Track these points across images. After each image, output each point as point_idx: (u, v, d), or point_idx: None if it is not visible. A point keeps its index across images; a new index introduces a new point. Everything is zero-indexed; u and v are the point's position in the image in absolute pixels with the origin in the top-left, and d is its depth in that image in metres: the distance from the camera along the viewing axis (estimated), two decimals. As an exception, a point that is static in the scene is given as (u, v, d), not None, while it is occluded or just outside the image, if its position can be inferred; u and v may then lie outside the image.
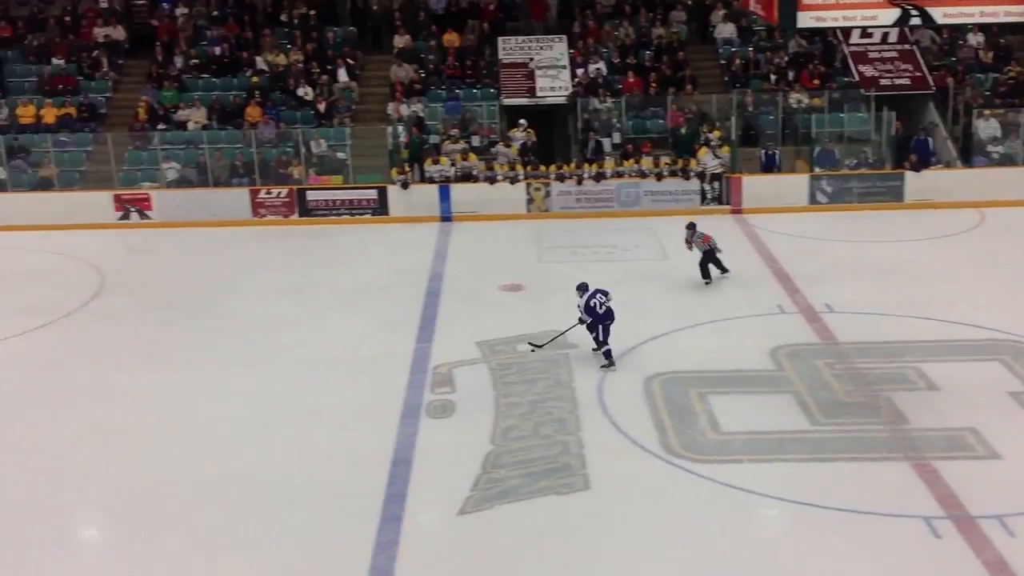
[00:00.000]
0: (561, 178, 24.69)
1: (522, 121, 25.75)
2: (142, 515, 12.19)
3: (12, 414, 14.91)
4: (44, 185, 25.09)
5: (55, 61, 27.91)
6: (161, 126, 26.19)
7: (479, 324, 17.60)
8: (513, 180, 24.70)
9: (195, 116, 26.38)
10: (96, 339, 17.72)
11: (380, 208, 24.71)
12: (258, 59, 27.76)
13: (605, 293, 15.81)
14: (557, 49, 27.84)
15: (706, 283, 19.22)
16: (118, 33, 28.82)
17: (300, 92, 26.93)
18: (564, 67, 27.37)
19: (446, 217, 24.54)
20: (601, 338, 15.77)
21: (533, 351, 16.37)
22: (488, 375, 15.67)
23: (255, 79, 27.13)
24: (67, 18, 29.25)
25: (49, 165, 25.19)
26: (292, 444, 13.76)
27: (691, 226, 19.45)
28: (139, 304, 19.22)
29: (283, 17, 29.36)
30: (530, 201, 24.70)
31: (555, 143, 26.85)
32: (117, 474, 13.13)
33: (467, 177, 24.74)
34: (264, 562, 11.21)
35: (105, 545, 12.02)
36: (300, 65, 27.61)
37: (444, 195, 24.57)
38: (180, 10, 29.33)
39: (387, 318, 18.22)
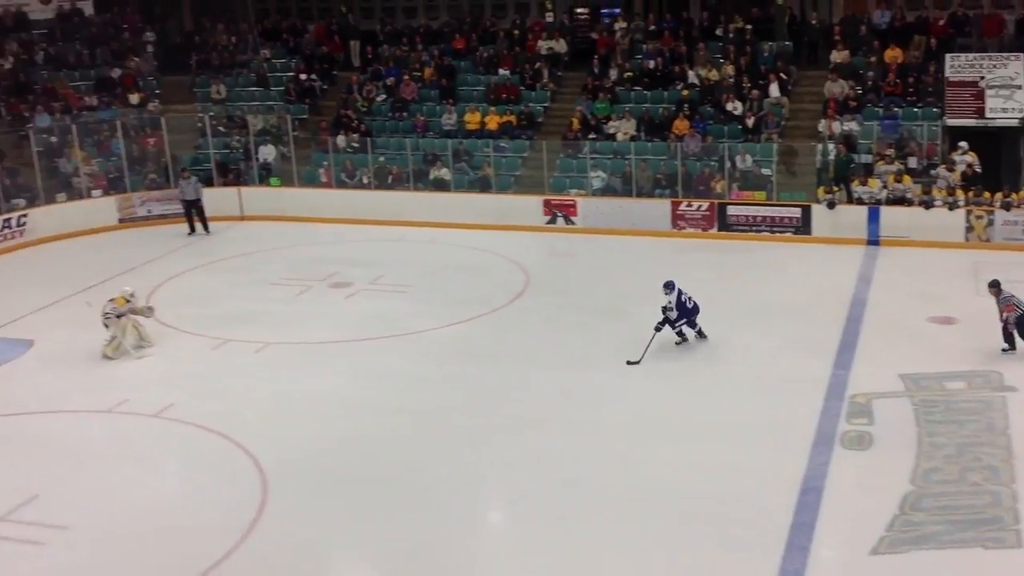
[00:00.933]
0: (1007, 207, 22.61)
1: (963, 144, 23.89)
2: (548, 504, 12.52)
3: (435, 399, 15.88)
4: (482, 186, 26.68)
5: (501, 72, 29.63)
6: (592, 136, 27.01)
7: (903, 356, 16.46)
8: (952, 206, 22.95)
9: (624, 127, 26.95)
10: (519, 335, 18.51)
11: (803, 227, 23.91)
12: (690, 73, 27.85)
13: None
14: (1012, 67, 25.52)
15: (1004, 350, 16.49)
16: (560, 46, 30.09)
17: (729, 107, 26.70)
18: (1019, 87, 25.07)
19: (873, 240, 23.26)
20: (695, 330, 17.21)
21: (638, 363, 16.63)
22: (911, 411, 14.58)
23: (685, 92, 27.25)
24: (515, 31, 30.99)
25: (488, 168, 26.76)
26: (698, 456, 13.61)
27: (995, 284, 16.66)
28: (560, 305, 19.87)
29: (718, 31, 29.27)
30: (969, 229, 22.83)
31: (1002, 169, 24.64)
32: (527, 464, 13.63)
33: (899, 200, 23.31)
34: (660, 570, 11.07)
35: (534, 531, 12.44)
36: (731, 79, 27.38)
37: (873, 217, 23.29)
38: (619, 24, 30.10)
39: (803, 339, 17.53)
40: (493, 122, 28.08)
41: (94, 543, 12.18)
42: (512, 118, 28.13)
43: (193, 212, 25.60)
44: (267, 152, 28.14)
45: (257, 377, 16.90)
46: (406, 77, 29.77)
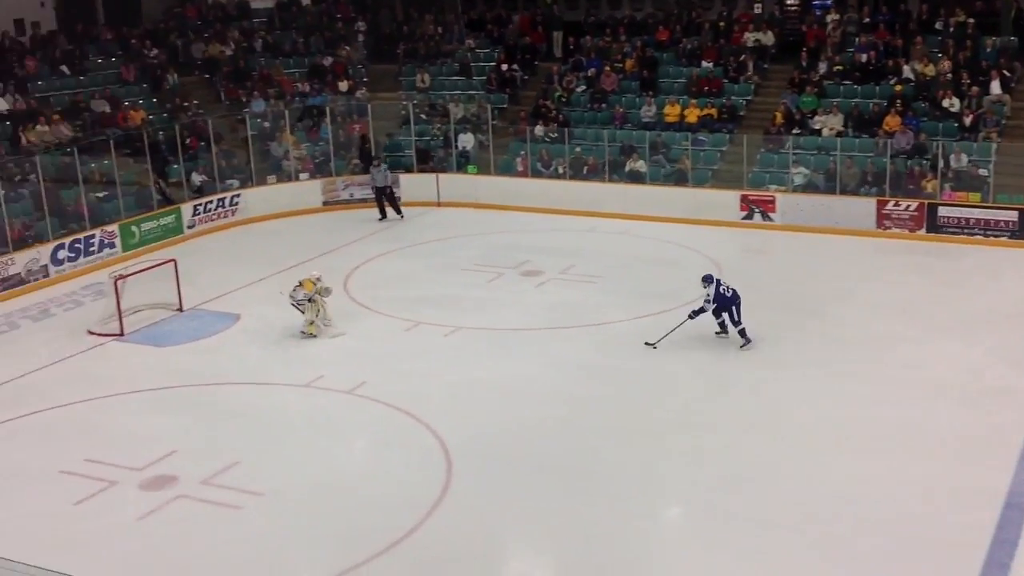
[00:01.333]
0: None
1: None
2: (723, 504, 12.26)
3: (619, 390, 15.77)
4: (678, 180, 26.32)
5: (704, 64, 29.13)
6: (795, 131, 26.23)
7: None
8: None
9: (831, 123, 26.03)
10: (708, 329, 18.18)
11: (1020, 231, 22.53)
12: (905, 67, 26.64)
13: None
14: None
15: None
16: (767, 38, 29.34)
17: (945, 103, 25.40)
18: None
19: (1099, 248, 21.76)
20: (736, 318, 16.98)
21: (654, 346, 16.80)
22: None
23: (898, 87, 26.07)
24: (721, 23, 30.42)
25: (685, 161, 26.38)
26: (892, 467, 13.08)
27: None
28: (752, 302, 19.19)
29: (938, 25, 27.90)
30: None
31: None
32: (706, 461, 13.41)
33: None
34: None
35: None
36: (949, 75, 26.05)
37: (1100, 222, 21.78)
38: (831, 16, 29.10)
39: (1013, 350, 16.56)
40: (693, 115, 27.64)
41: (287, 511, 12.68)
42: (713, 111, 27.62)
43: (383, 198, 26.25)
44: (466, 140, 28.62)
45: (446, 360, 17.22)
46: (607, 68, 29.66)
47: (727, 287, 17.10)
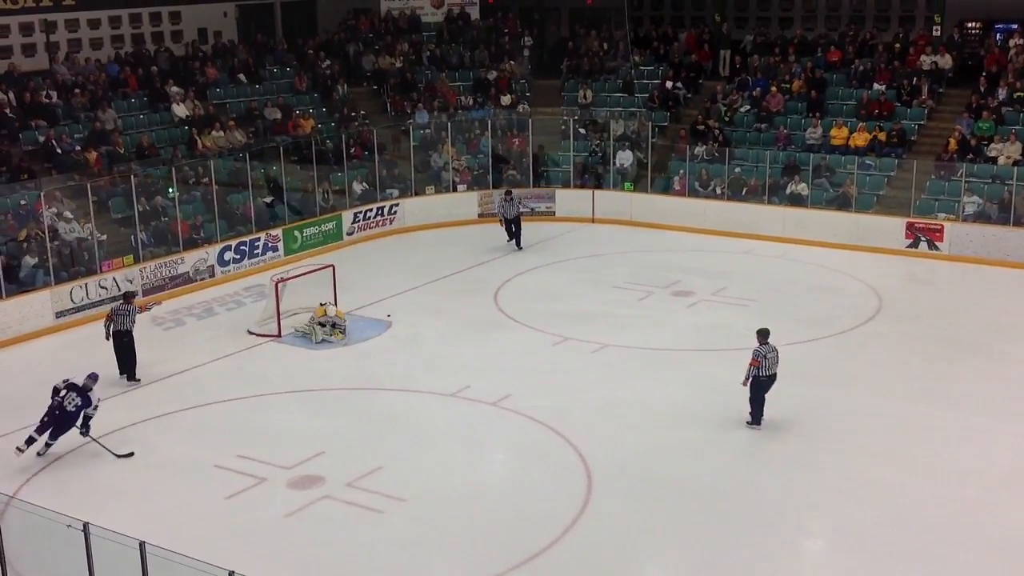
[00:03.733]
0: None
1: None
2: (876, 540, 11.83)
3: (767, 417, 15.37)
4: (841, 204, 25.59)
5: (876, 86, 28.24)
6: (969, 157, 25.17)
7: None
8: None
9: (1008, 151, 24.88)
10: (863, 360, 17.62)
11: None
12: (1090, 94, 25.30)
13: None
14: None
15: None
16: (944, 61, 28.24)
17: None
18: None
19: None
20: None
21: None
22: None
23: (1083, 116, 24.78)
24: (896, 44, 29.45)
25: (850, 186, 25.62)
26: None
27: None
28: (912, 335, 18.70)
29: None
30: None
31: None
32: (857, 495, 12.96)
33: None
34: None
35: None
36: None
37: None
38: (1013, 40, 27.84)
39: None
40: (861, 138, 26.83)
41: (427, 517, 12.85)
42: (882, 135, 26.74)
43: (512, 227, 25.53)
44: (624, 157, 28.50)
45: (592, 377, 17.16)
46: (773, 88, 29.08)
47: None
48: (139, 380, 17.13)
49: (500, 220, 25.41)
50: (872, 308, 20.15)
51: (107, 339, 17.02)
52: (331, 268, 20.29)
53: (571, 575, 11.58)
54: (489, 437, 15.29)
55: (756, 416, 15.00)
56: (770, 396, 15.05)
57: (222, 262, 23.06)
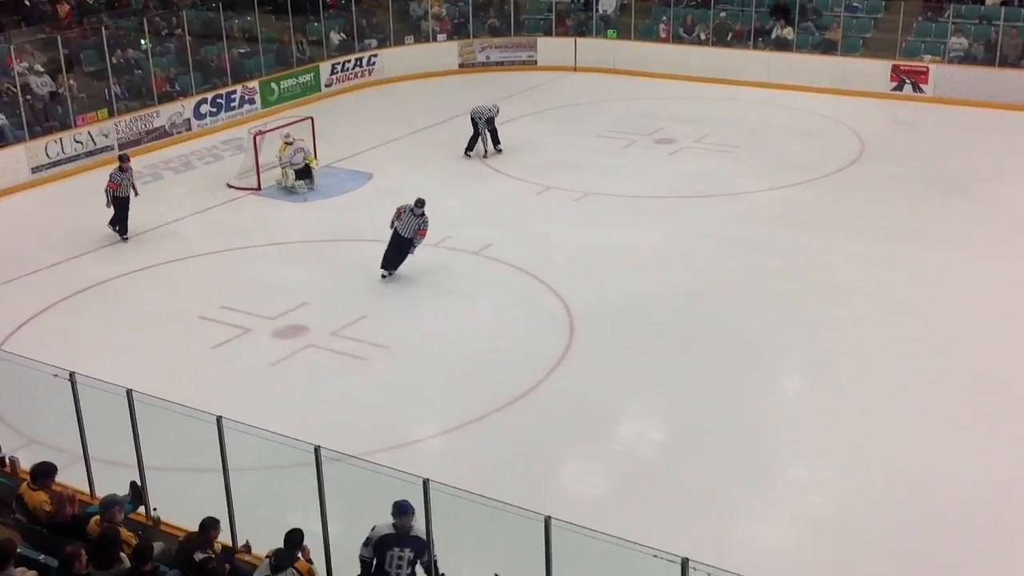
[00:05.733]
0: None
1: None
2: (854, 376, 12.06)
3: (749, 261, 15.50)
4: (826, 48, 25.21)
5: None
6: (961, -4, 24.70)
7: None
8: None
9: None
10: (846, 203, 17.64)
11: None
12: (1082, -71, 24.66)
13: None
14: None
15: None
16: None
17: None
18: None
19: None
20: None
21: None
22: None
23: (1073, -48, 24.23)
24: None
25: (836, 29, 25.19)
26: (1017, 346, 12.71)
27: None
28: (893, 176, 18.69)
29: None
30: None
31: None
32: (837, 334, 13.16)
33: None
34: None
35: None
36: None
37: None
38: None
39: None
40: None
41: (412, 364, 13.00)
42: (869, -24, 26.21)
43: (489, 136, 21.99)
44: (607, 3, 27.87)
45: (575, 225, 17.16)
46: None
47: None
48: (127, 239, 17.01)
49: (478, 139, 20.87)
50: (855, 152, 20.08)
51: (108, 206, 16.77)
52: (310, 120, 20.00)
53: (554, 415, 11.76)
54: (472, 285, 15.34)
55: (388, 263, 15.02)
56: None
57: (198, 115, 22.71)
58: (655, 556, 6.86)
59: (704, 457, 10.88)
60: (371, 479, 8.99)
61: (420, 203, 15.05)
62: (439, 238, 16.52)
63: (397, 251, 15.03)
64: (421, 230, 14.99)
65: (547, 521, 7.24)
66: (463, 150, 20.49)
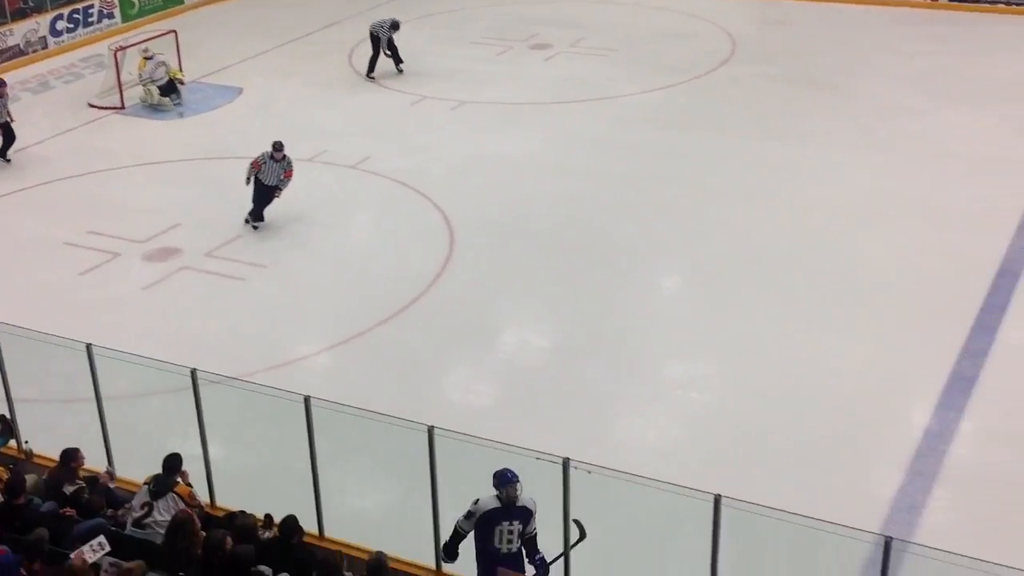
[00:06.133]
0: None
1: None
2: (731, 275, 12.33)
3: (627, 165, 15.59)
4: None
5: None
6: None
7: None
8: None
9: None
10: (719, 104, 17.81)
11: (1047, 2, 21.67)
12: None
13: None
14: None
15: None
16: None
17: None
18: None
19: None
20: None
21: None
22: None
23: None
24: None
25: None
26: (891, 235, 13.10)
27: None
28: (764, 75, 18.92)
29: None
30: None
31: None
32: (714, 234, 13.40)
33: None
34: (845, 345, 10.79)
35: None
36: None
37: None
38: None
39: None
40: None
41: (291, 282, 12.82)
42: None
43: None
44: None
45: (451, 134, 16.99)
46: None
47: None
48: (10, 161, 16.27)
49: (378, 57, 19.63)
50: (727, 51, 20.22)
51: None
52: (173, 34, 19.25)
53: (437, 326, 11.74)
54: (349, 200, 15.13)
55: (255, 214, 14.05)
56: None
57: (54, 32, 21.66)
58: (538, 459, 6.97)
59: (585, 360, 11.01)
60: (252, 399, 8.93)
61: (279, 146, 13.82)
62: (315, 152, 16.20)
63: (264, 200, 13.96)
64: (287, 171, 13.90)
65: (430, 431, 7.27)
66: (350, 65, 19.77)
